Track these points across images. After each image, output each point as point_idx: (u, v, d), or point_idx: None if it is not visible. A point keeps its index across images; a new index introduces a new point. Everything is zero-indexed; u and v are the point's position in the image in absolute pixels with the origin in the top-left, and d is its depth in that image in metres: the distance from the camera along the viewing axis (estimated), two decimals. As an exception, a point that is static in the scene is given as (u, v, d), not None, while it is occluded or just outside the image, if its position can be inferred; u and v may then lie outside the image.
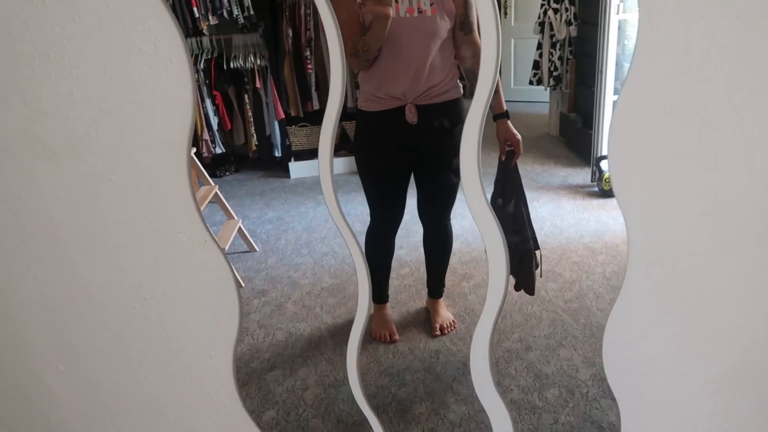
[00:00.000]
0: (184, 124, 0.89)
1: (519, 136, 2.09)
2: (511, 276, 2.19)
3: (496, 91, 2.08)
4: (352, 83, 4.35)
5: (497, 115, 2.09)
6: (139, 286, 1.00)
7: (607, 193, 3.77)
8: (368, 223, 2.32)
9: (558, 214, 3.59)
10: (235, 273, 0.99)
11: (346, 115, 4.49)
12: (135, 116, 0.89)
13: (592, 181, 4.03)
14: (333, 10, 2.04)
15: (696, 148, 0.90)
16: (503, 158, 2.10)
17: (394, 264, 3.02)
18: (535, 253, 2.13)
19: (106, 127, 0.90)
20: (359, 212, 3.76)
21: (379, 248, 2.34)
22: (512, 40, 6.42)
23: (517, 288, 2.23)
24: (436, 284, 2.53)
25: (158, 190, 0.93)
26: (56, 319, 1.04)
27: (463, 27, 2.00)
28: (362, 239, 2.42)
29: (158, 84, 0.87)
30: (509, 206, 2.07)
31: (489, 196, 2.03)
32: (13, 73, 0.88)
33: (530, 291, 2.17)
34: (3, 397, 1.13)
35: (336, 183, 3.51)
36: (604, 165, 3.89)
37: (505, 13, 6.32)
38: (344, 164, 4.60)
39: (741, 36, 0.82)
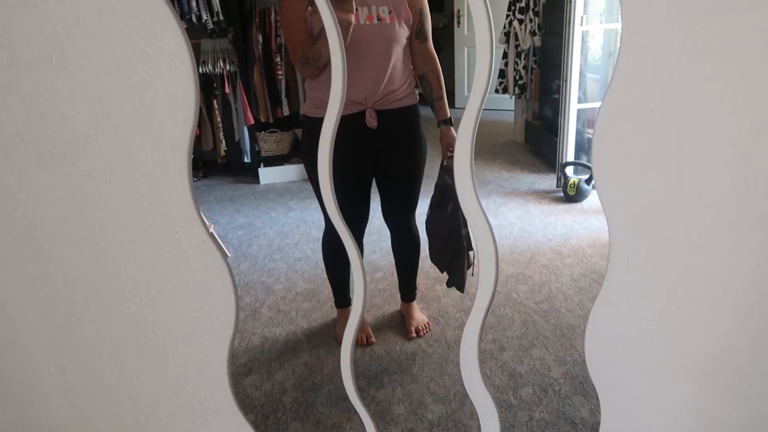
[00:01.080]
0: (186, 125, 0.90)
1: None
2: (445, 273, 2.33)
3: (440, 98, 2.17)
4: (304, 90, 4.39)
5: (441, 121, 2.19)
6: (135, 287, 1.01)
7: (572, 199, 3.89)
8: (322, 228, 2.36)
9: (526, 218, 3.69)
10: (232, 273, 1.00)
11: (298, 122, 4.52)
12: (136, 117, 0.90)
13: (557, 187, 4.15)
14: (282, 14, 2.05)
15: (674, 145, 0.97)
16: (445, 163, 2.20)
17: (368, 268, 3.05)
18: (468, 253, 2.24)
19: (106, 128, 0.91)
20: (315, 219, 3.79)
21: (334, 253, 2.38)
22: (465, 48, 6.57)
23: (448, 284, 2.36)
24: (408, 288, 2.58)
25: (158, 191, 0.94)
26: (50, 321, 1.03)
27: (419, 35, 2.08)
28: (320, 245, 2.46)
29: (161, 85, 0.88)
30: (447, 209, 2.18)
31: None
32: (13, 75, 0.88)
33: (461, 288, 2.30)
34: (-10, 402, 1.11)
35: (290, 190, 3.53)
36: (569, 171, 4.01)
37: (458, 23, 6.47)
38: (297, 171, 4.63)
39: (718, 39, 0.88)
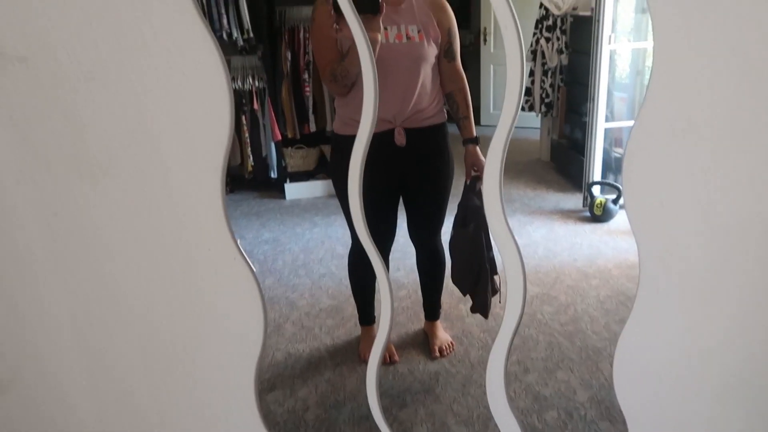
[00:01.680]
0: (221, 144, 0.92)
1: (485, 163, 2.16)
2: (468, 296, 2.29)
3: (467, 118, 2.16)
4: (332, 107, 4.43)
5: (467, 140, 2.18)
6: (168, 303, 1.02)
7: (598, 219, 3.84)
8: (349, 245, 2.36)
9: (551, 238, 3.65)
10: (262, 290, 1.02)
11: (324, 138, 4.56)
12: (173, 136, 0.92)
13: (583, 207, 4.11)
14: (312, 34, 2.07)
15: (706, 169, 0.96)
16: (468, 182, 2.18)
17: (392, 286, 3.04)
18: (492, 278, 2.19)
19: (144, 145, 0.93)
20: (340, 235, 3.80)
21: (361, 269, 2.38)
22: (491, 66, 6.57)
23: (472, 310, 2.29)
24: (432, 306, 2.57)
25: (193, 207, 0.96)
26: (84, 335, 1.05)
27: (447, 54, 2.09)
28: (345, 261, 2.46)
29: (198, 103, 0.91)
30: (469, 229, 2.15)
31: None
32: (56, 93, 0.91)
33: (484, 314, 2.23)
34: (22, 409, 1.13)
35: (315, 206, 3.55)
36: (595, 191, 3.97)
37: (485, 40, 6.48)
38: (323, 187, 4.66)
39: (751, 63, 0.88)
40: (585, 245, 3.52)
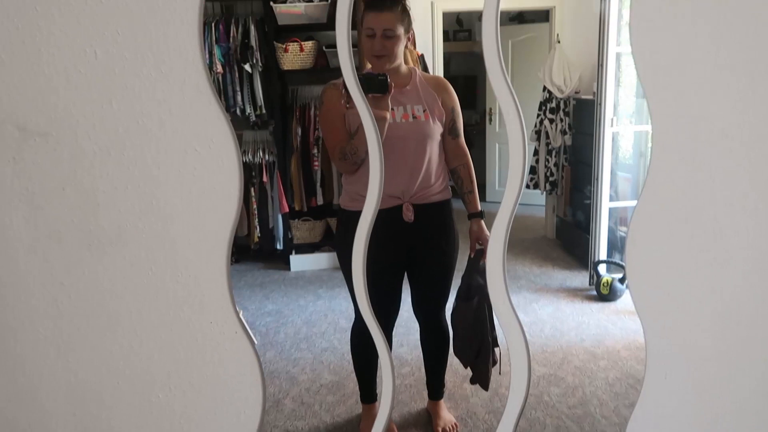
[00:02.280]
0: (229, 220, 0.94)
1: (490, 237, 2.19)
2: (469, 368, 2.26)
3: (471, 192, 2.20)
4: (339, 182, 4.52)
5: (472, 214, 2.22)
6: (166, 376, 1.01)
7: (605, 298, 3.80)
8: (352, 319, 2.35)
9: (558, 317, 3.60)
10: (262, 369, 1.00)
11: (331, 211, 4.62)
12: (183, 211, 0.95)
13: (590, 285, 4.08)
14: (321, 115, 2.16)
15: (709, 257, 0.96)
16: (472, 255, 2.20)
17: (394, 362, 2.98)
18: (493, 350, 2.19)
19: (154, 219, 0.95)
20: (344, 308, 3.77)
21: (364, 345, 2.34)
22: (497, 144, 6.73)
23: (472, 381, 2.28)
24: (436, 384, 2.51)
25: (197, 281, 0.96)
26: (79, 407, 1.03)
27: (451, 132, 2.17)
28: (348, 336, 2.44)
29: (208, 182, 0.93)
30: (472, 303, 2.15)
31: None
32: (73, 167, 0.94)
33: (484, 386, 2.22)
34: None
35: (320, 278, 3.54)
36: (601, 269, 3.95)
37: (490, 120, 6.66)
38: (328, 260, 4.67)
39: (750, 153, 0.90)
40: (592, 325, 3.47)
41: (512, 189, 0.94)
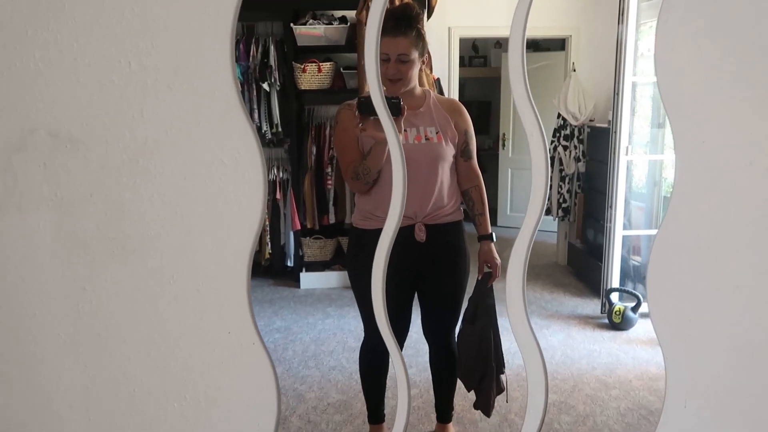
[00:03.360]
0: (251, 231, 0.95)
1: (498, 260, 2.20)
2: (473, 392, 2.24)
3: (482, 214, 2.20)
4: (352, 201, 4.54)
5: (482, 236, 2.22)
6: (182, 386, 1.01)
7: (617, 326, 3.76)
8: (361, 338, 2.34)
9: (569, 344, 3.57)
10: (277, 380, 1.00)
11: (343, 230, 4.63)
12: (206, 221, 0.96)
13: (602, 313, 4.04)
14: (336, 135, 2.18)
15: (732, 284, 0.96)
16: (479, 278, 2.21)
17: (403, 384, 2.96)
18: (499, 377, 2.17)
19: (177, 229, 0.96)
20: (353, 327, 3.75)
21: (373, 365, 2.34)
22: (509, 170, 6.73)
23: (475, 406, 2.26)
24: (444, 407, 2.48)
25: (217, 293, 0.97)
26: (95, 413, 1.03)
27: (464, 154, 2.18)
28: (356, 355, 2.42)
29: (233, 193, 0.95)
30: (477, 325, 2.15)
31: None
32: (101, 175, 0.96)
33: (486, 412, 2.21)
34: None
35: (329, 297, 3.54)
36: (614, 297, 3.92)
37: (503, 145, 6.68)
38: (338, 278, 4.67)
39: (766, 184, 0.90)
40: (604, 353, 3.43)
41: (534, 210, 0.94)
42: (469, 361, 2.20)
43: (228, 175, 0.94)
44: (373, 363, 2.33)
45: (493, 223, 2.30)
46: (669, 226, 0.98)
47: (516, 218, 6.58)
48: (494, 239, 2.21)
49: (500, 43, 7.14)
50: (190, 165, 0.94)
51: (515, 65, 0.91)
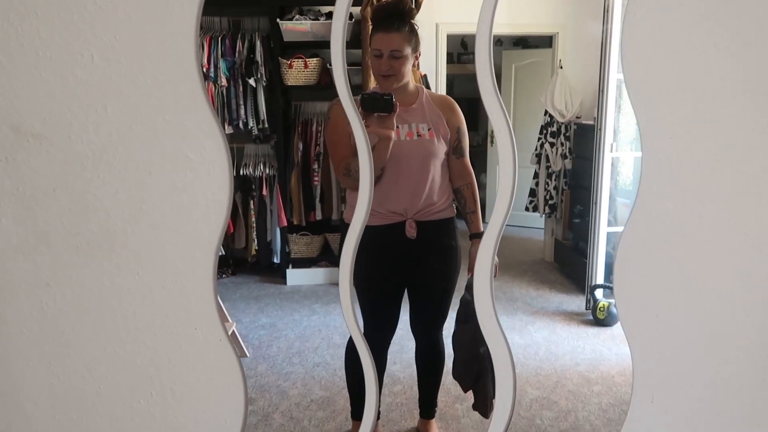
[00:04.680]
0: (218, 227, 0.94)
1: (496, 260, 2.16)
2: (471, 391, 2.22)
3: (474, 212, 2.20)
4: (339, 197, 4.53)
5: (473, 234, 2.21)
6: (149, 382, 1.01)
7: (601, 322, 3.78)
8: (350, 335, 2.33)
9: (553, 340, 3.58)
10: (245, 376, 1.00)
11: (330, 227, 4.62)
12: (172, 217, 0.95)
13: (586, 309, 4.06)
14: (327, 131, 2.17)
15: (699, 280, 0.96)
16: (469, 276, 2.14)
17: (387, 380, 2.97)
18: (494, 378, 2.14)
19: (143, 224, 0.95)
20: (338, 324, 3.74)
21: (358, 361, 2.32)
22: (497, 166, 6.70)
23: (474, 407, 2.24)
24: (428, 403, 2.49)
25: (183, 288, 0.96)
26: (61, 410, 1.02)
27: (456, 151, 2.17)
28: (341, 351, 2.41)
29: (199, 188, 0.94)
30: (470, 325, 2.10)
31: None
32: (65, 170, 0.95)
33: (484, 413, 2.18)
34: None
35: (315, 293, 3.51)
36: (598, 294, 3.94)
37: (492, 142, 6.69)
38: (324, 275, 4.66)
39: (738, 178, 0.91)
40: (588, 349, 3.45)
41: (502, 205, 0.94)
42: (464, 361, 2.18)
43: (194, 170, 0.93)
44: (358, 359, 2.32)
45: (484, 220, 2.28)
46: (636, 223, 0.99)
47: (514, 216, 6.57)
48: None
49: (500, 41, 7.11)
50: (156, 160, 0.94)
51: (482, 62, 0.91)
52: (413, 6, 2.10)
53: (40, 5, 0.89)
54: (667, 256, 0.99)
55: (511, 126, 0.95)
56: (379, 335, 2.26)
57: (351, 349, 2.34)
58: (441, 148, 2.10)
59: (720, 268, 0.96)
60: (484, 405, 2.17)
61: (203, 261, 0.96)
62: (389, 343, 2.31)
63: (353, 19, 4.33)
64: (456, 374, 2.26)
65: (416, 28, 2.06)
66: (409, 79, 2.10)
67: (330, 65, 4.38)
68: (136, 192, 0.95)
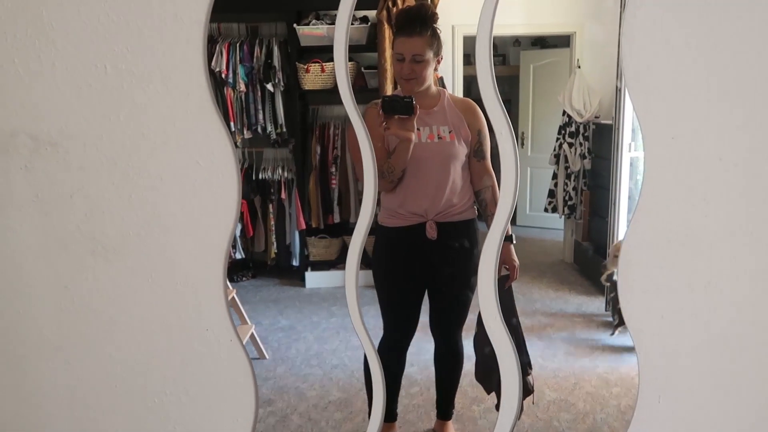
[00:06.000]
0: (227, 228, 0.97)
1: (517, 262, 2.18)
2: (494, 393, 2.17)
3: (494, 215, 2.16)
4: (356, 200, 4.56)
5: None
6: (162, 381, 1.04)
7: (622, 324, 3.74)
8: (380, 336, 2.33)
9: (572, 341, 3.56)
10: (255, 376, 1.02)
11: (348, 229, 4.64)
12: (183, 221, 0.98)
13: (606, 311, 4.02)
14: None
15: (703, 280, 0.96)
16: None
17: (404, 382, 2.97)
18: (525, 378, 2.09)
19: (155, 228, 0.99)
20: (371, 326, 3.75)
21: (389, 362, 2.33)
22: (528, 169, 6.66)
23: (498, 407, 2.07)
24: (446, 405, 2.49)
25: (194, 289, 0.99)
26: (78, 408, 1.06)
27: (477, 154, 2.17)
28: (359, 353, 2.41)
29: (208, 193, 0.97)
30: None
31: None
32: (81, 177, 0.98)
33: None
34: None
35: (334, 296, 3.49)
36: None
37: (522, 144, 6.63)
38: (343, 277, 4.62)
39: (741, 177, 0.90)
40: (607, 351, 3.42)
41: (504, 206, 0.95)
42: (488, 362, 2.13)
43: (203, 176, 0.96)
44: (391, 361, 2.33)
45: (513, 222, 2.26)
46: (640, 221, 0.99)
47: (536, 217, 6.51)
48: (513, 240, 2.18)
49: (519, 41, 7.07)
50: (167, 166, 0.97)
51: (482, 64, 0.92)
52: (435, 10, 2.11)
53: (56, 19, 0.93)
54: (671, 256, 0.99)
55: (511, 127, 0.96)
56: (397, 336, 2.28)
57: (383, 352, 2.32)
58: (462, 151, 2.11)
59: (726, 267, 0.96)
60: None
61: (214, 263, 0.99)
62: (408, 344, 2.32)
63: (369, 23, 4.36)
64: (478, 376, 2.24)
65: (438, 32, 2.07)
66: (431, 83, 2.11)
67: (364, 69, 4.40)
68: (149, 197, 0.98)
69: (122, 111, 0.95)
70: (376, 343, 2.57)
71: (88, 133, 0.96)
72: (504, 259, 2.17)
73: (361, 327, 1.04)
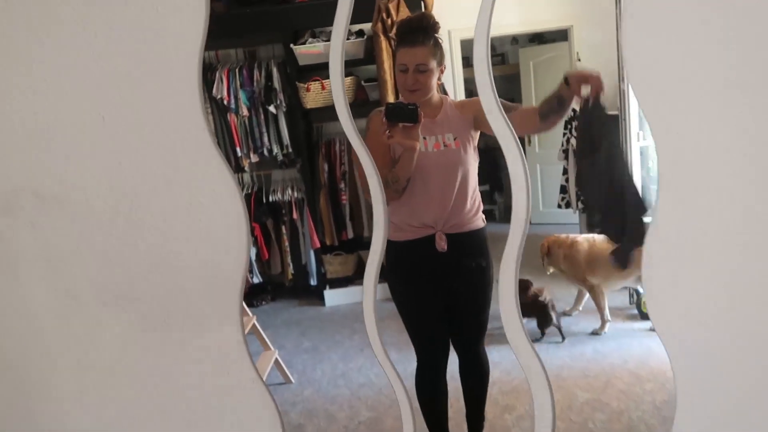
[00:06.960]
0: (239, 265, 0.95)
1: (595, 72, 1.70)
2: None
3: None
4: (368, 214, 4.53)
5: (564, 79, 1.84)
6: (186, 428, 1.02)
7: (646, 316, 3.67)
8: (410, 358, 2.29)
9: (599, 338, 3.50)
10: (281, 414, 1.00)
11: (362, 244, 4.60)
12: (191, 261, 0.97)
13: (630, 304, 3.95)
14: (366, 141, 2.16)
15: (729, 275, 0.93)
16: (583, 105, 1.67)
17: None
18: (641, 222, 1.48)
19: (164, 272, 0.97)
20: (395, 341, 3.72)
21: (428, 389, 2.28)
22: (537, 165, 6.60)
23: (612, 253, 1.70)
24: (475, 418, 2.43)
25: (210, 333, 0.98)
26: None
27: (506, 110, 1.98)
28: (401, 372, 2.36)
29: (215, 231, 0.95)
30: (600, 156, 1.57)
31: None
32: (85, 229, 0.98)
33: (623, 263, 1.60)
34: None
35: (354, 312, 3.42)
36: (640, 288, 3.83)
37: (529, 141, 6.58)
38: (361, 293, 4.58)
39: (754, 169, 0.87)
40: (635, 345, 3.35)
41: (519, 212, 0.92)
42: (597, 201, 1.71)
43: (207, 214, 0.95)
44: (436, 387, 2.28)
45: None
46: (662, 217, 0.96)
47: (549, 214, 6.43)
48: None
49: (516, 39, 7.03)
50: (170, 208, 0.96)
51: (481, 64, 0.90)
52: (437, 20, 2.09)
53: (48, 70, 0.92)
54: (694, 251, 0.95)
55: (512, 128, 0.94)
56: (431, 359, 2.22)
57: (422, 379, 2.28)
58: (468, 157, 2.08)
59: (754, 261, 0.92)
60: (624, 255, 1.59)
61: (228, 301, 0.97)
62: (445, 364, 2.25)
63: (365, 36, 4.35)
64: (604, 227, 1.76)
65: (440, 41, 2.05)
66: (434, 92, 2.09)
67: (364, 82, 4.39)
68: (155, 241, 0.97)
69: (123, 158, 0.95)
70: (411, 366, 2.51)
71: (89, 184, 0.95)
72: (577, 78, 1.76)
73: (381, 351, 1.01)
